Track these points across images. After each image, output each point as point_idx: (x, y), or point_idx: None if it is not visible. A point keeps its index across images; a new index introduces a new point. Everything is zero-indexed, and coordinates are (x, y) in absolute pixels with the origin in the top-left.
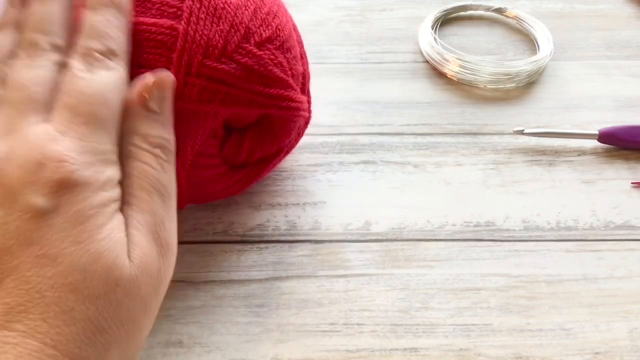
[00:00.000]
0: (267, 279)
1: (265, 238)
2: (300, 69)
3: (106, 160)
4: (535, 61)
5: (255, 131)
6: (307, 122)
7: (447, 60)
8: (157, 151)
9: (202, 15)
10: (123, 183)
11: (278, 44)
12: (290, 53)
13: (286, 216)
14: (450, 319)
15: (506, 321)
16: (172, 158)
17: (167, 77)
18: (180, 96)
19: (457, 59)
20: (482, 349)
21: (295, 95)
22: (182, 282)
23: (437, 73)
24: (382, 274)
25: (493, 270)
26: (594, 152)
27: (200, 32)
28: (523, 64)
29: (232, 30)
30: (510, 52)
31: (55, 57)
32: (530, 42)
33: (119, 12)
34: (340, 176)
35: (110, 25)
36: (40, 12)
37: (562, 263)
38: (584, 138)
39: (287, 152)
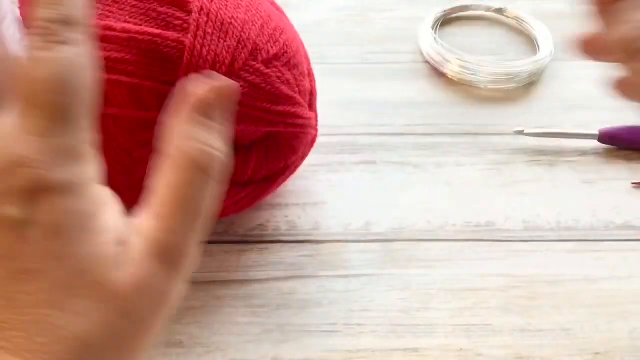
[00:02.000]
0: (267, 279)
1: (265, 238)
2: (308, 85)
3: (79, 156)
4: (535, 61)
5: (261, 148)
6: (313, 139)
7: (447, 60)
8: (203, 169)
9: (209, 30)
10: (154, 186)
11: (285, 60)
12: (297, 69)
13: (286, 216)
14: (450, 319)
15: (506, 321)
16: (219, 177)
17: (231, 85)
18: None
19: (457, 59)
20: (482, 349)
21: (302, 112)
22: None
23: (437, 73)
24: (382, 274)
25: (493, 270)
26: (594, 152)
27: (207, 47)
28: (523, 64)
29: (240, 46)
30: (510, 52)
31: None
32: (530, 42)
33: None
34: (340, 176)
35: None
36: None
37: (562, 263)
38: (584, 138)
39: (293, 170)
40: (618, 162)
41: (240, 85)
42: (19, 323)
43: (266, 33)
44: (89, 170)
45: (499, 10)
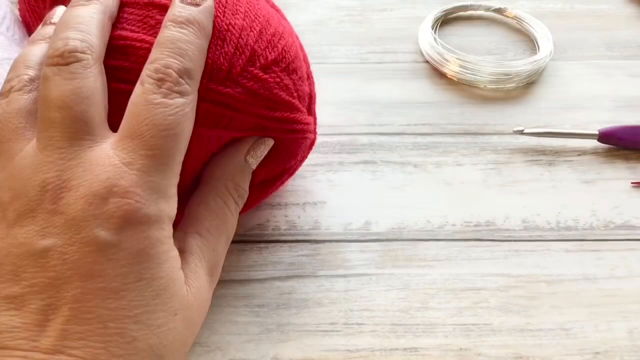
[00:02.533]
0: (267, 279)
1: (265, 238)
2: (307, 89)
3: (167, 196)
4: (535, 61)
5: None
6: (312, 143)
7: (447, 60)
8: (239, 201)
9: None
10: (197, 211)
11: (284, 65)
12: (297, 74)
13: (286, 216)
14: (450, 319)
15: (506, 321)
16: (240, 208)
17: (270, 141)
18: None
19: (457, 59)
20: (482, 349)
21: (301, 117)
22: None
23: (437, 73)
24: (382, 274)
25: (493, 270)
26: (594, 152)
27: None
28: (523, 64)
29: (237, 52)
30: (510, 52)
31: (97, 68)
32: (530, 42)
33: (200, 31)
34: (340, 176)
35: (190, 43)
36: (76, 15)
37: (562, 263)
38: (584, 138)
39: (292, 173)
40: (618, 162)
41: (239, 93)
42: (100, 336)
43: (265, 39)
44: (172, 209)
45: (499, 10)
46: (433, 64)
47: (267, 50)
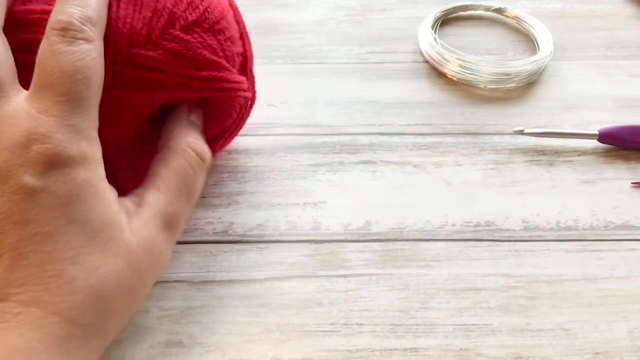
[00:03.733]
0: (267, 279)
1: (265, 238)
2: (240, 49)
3: (88, 137)
4: (535, 61)
5: None
6: (251, 103)
7: (447, 60)
8: (197, 158)
9: (123, 5)
10: (157, 170)
11: (207, 26)
12: (224, 34)
13: (286, 216)
14: (450, 319)
15: (506, 321)
16: (205, 170)
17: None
18: (110, 85)
19: (457, 59)
20: (482, 349)
21: (230, 76)
22: (182, 282)
23: (437, 73)
24: (382, 274)
25: (493, 270)
26: (594, 152)
27: (123, 21)
28: (523, 64)
29: (155, 16)
30: (510, 52)
31: None
32: (530, 42)
33: None
34: (340, 176)
35: None
36: None
37: (562, 263)
38: (584, 138)
39: (233, 133)
40: (618, 162)
41: (161, 54)
42: (39, 278)
43: (184, 1)
44: (96, 150)
45: (499, 10)
46: (433, 64)
47: (187, 12)
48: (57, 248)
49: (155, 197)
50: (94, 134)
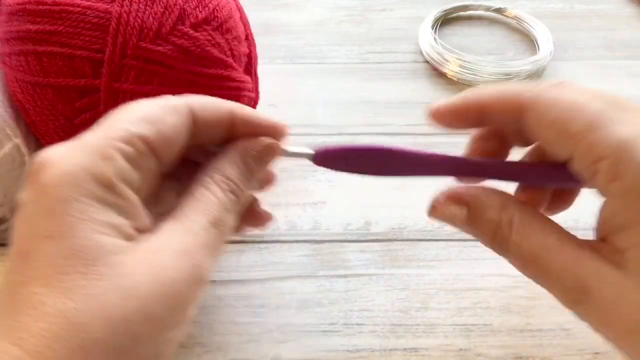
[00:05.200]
0: (267, 279)
1: (265, 238)
2: (245, 49)
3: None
4: (535, 61)
5: None
6: (255, 103)
7: (447, 60)
8: (229, 194)
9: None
10: (182, 202)
11: (216, 24)
12: (231, 34)
13: (286, 216)
14: (450, 319)
15: (506, 321)
16: (238, 210)
17: (276, 145)
18: (117, 78)
19: (457, 59)
20: (482, 349)
21: (236, 75)
22: None
23: (437, 73)
24: (382, 274)
25: (493, 270)
26: None
27: (134, 15)
28: (523, 64)
29: (167, 12)
30: (510, 52)
31: None
32: (530, 42)
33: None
34: (340, 176)
35: None
36: None
37: None
38: None
39: None
40: None
41: (170, 50)
42: (6, 303)
43: None
44: (87, 167)
45: (499, 10)
46: (433, 64)
47: (197, 9)
48: (31, 266)
49: (170, 224)
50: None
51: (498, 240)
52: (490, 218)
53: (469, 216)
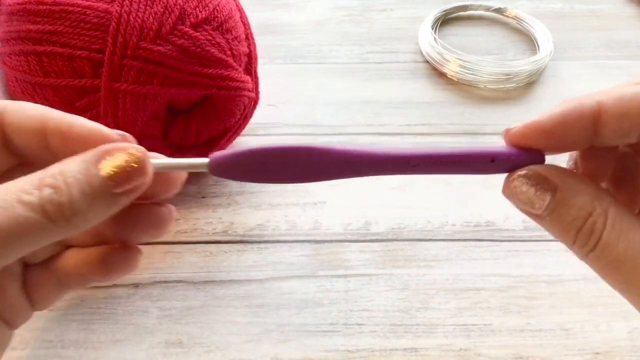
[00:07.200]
0: (267, 279)
1: (265, 238)
2: (245, 49)
3: None
4: (535, 61)
5: (200, 112)
6: (255, 103)
7: (447, 60)
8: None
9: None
10: None
11: (216, 25)
12: (231, 34)
13: (286, 216)
14: (450, 319)
15: (506, 321)
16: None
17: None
18: (117, 78)
19: (457, 59)
20: (482, 349)
21: (236, 75)
22: (182, 282)
23: (437, 73)
24: (382, 274)
25: (493, 270)
26: None
27: (134, 15)
28: (523, 64)
29: (167, 12)
30: (510, 52)
31: None
32: (530, 42)
33: None
34: None
35: None
36: None
37: (562, 263)
38: None
39: (236, 132)
40: None
41: (170, 50)
42: None
43: None
44: None
45: (499, 10)
46: (433, 64)
47: (197, 9)
48: None
49: None
50: None
51: (584, 234)
52: (582, 205)
53: (553, 200)
